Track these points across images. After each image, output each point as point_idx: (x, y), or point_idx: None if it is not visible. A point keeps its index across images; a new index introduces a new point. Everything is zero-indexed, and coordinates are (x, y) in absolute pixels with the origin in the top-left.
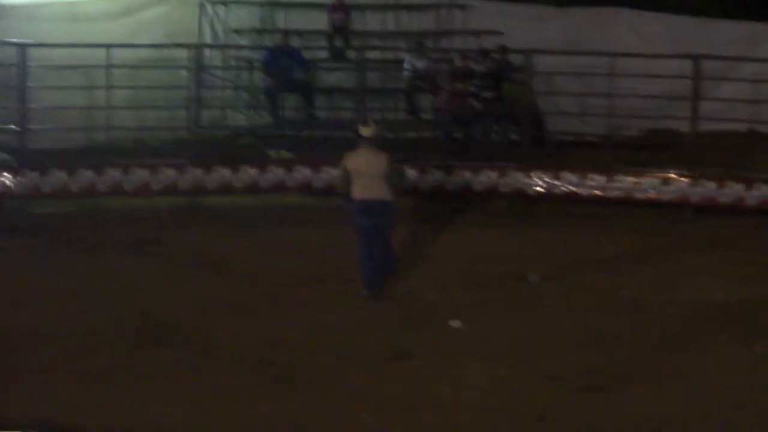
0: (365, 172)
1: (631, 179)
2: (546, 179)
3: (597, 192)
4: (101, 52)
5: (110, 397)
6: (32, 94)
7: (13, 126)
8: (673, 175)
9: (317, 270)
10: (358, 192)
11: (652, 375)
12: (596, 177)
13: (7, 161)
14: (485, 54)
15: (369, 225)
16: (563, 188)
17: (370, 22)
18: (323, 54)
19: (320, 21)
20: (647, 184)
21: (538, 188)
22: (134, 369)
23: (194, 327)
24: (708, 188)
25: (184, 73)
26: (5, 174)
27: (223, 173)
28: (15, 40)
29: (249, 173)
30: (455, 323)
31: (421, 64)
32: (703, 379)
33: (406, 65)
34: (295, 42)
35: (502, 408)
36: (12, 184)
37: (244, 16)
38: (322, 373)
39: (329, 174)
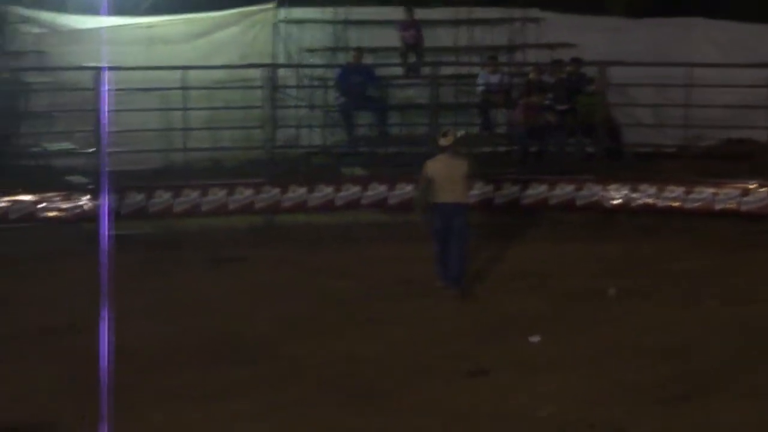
0: (446, 178)
1: (710, 190)
2: (624, 192)
3: (675, 204)
4: (177, 74)
5: (188, 414)
6: (109, 117)
7: (90, 149)
8: (752, 186)
9: (394, 286)
10: (440, 196)
11: (734, 386)
12: (675, 189)
13: (85, 184)
14: (560, 65)
15: (446, 226)
16: (641, 201)
17: (443, 37)
18: (396, 70)
19: (392, 38)
20: (726, 195)
21: (615, 201)
22: (212, 386)
23: (272, 344)
24: None
25: (258, 92)
26: (84, 197)
27: (299, 192)
28: (92, 64)
29: (324, 191)
30: (534, 338)
31: (494, 78)
32: None
33: (479, 80)
34: (367, 59)
35: (580, 421)
36: (90, 207)
37: (317, 35)
38: (400, 388)
39: (404, 190)
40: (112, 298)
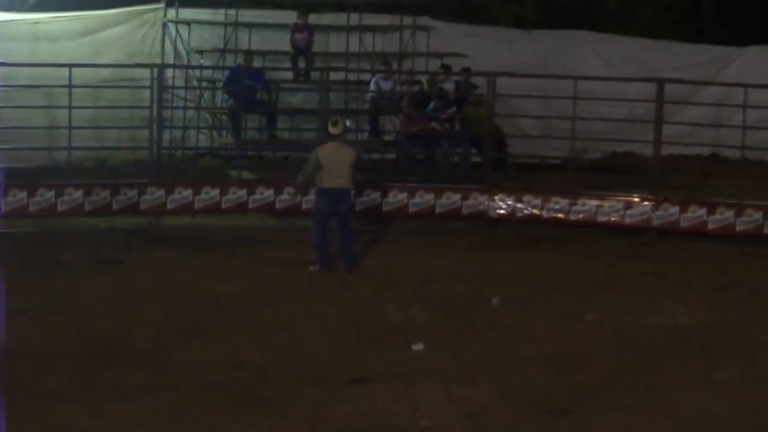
0: (335, 165)
1: (593, 202)
2: (509, 202)
3: (559, 215)
4: (63, 72)
5: (67, 418)
6: None
7: None
8: (636, 199)
9: (277, 291)
10: (326, 181)
11: (615, 398)
12: (559, 200)
13: None
14: (447, 69)
15: (330, 210)
16: (526, 211)
17: (333, 43)
18: (286, 75)
19: (283, 42)
20: (610, 208)
21: (500, 211)
22: (92, 390)
23: (153, 348)
24: (671, 212)
25: (145, 92)
26: None
27: (184, 194)
28: None
29: (211, 194)
30: (417, 346)
31: (386, 85)
32: (667, 403)
33: (372, 86)
34: (257, 63)
35: (462, 431)
36: None
37: (206, 36)
38: (281, 395)
39: (291, 195)
40: None
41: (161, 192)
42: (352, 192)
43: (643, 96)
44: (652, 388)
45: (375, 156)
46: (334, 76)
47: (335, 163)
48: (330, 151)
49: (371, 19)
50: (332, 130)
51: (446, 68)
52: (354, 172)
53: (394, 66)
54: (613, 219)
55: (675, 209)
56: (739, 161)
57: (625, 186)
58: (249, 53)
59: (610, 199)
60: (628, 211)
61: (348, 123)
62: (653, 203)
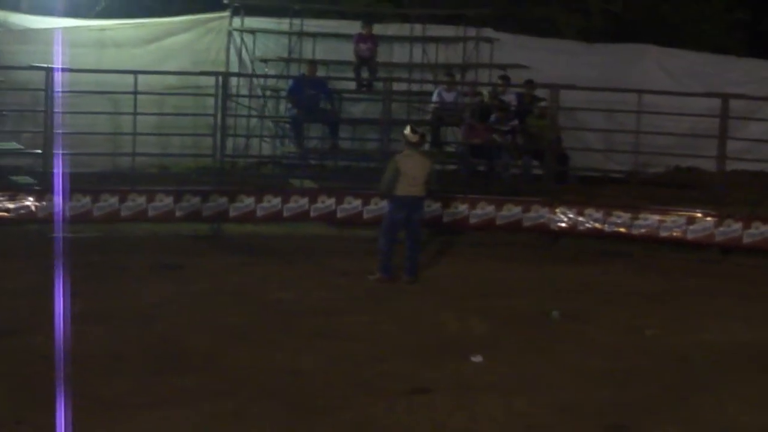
0: (413, 173)
1: (656, 217)
2: (570, 215)
3: (621, 229)
4: (128, 78)
5: (127, 423)
6: (58, 119)
7: (38, 150)
8: (698, 214)
9: (337, 300)
10: (403, 189)
11: (673, 414)
12: (621, 214)
13: (31, 185)
14: (506, 80)
15: (404, 218)
16: (587, 224)
17: (397, 53)
18: (349, 84)
19: (347, 51)
20: (672, 223)
21: (561, 224)
22: (151, 395)
23: (213, 354)
24: (734, 228)
25: (210, 100)
26: (29, 198)
27: (247, 201)
28: (42, 64)
29: (272, 202)
30: (476, 358)
31: (450, 96)
32: (725, 420)
33: (434, 96)
34: (320, 72)
35: None
36: (35, 208)
37: (271, 45)
38: (339, 404)
39: (352, 205)
40: (54, 301)
41: (224, 199)
42: (425, 202)
43: (707, 111)
44: (711, 405)
45: (436, 167)
46: (397, 86)
47: (412, 171)
48: (408, 158)
49: (435, 31)
50: (411, 137)
51: (505, 79)
52: (429, 182)
53: (457, 77)
54: (675, 234)
55: (738, 225)
56: None
57: (687, 201)
58: (313, 63)
59: (673, 214)
60: (691, 227)
61: (426, 132)
62: (716, 219)
